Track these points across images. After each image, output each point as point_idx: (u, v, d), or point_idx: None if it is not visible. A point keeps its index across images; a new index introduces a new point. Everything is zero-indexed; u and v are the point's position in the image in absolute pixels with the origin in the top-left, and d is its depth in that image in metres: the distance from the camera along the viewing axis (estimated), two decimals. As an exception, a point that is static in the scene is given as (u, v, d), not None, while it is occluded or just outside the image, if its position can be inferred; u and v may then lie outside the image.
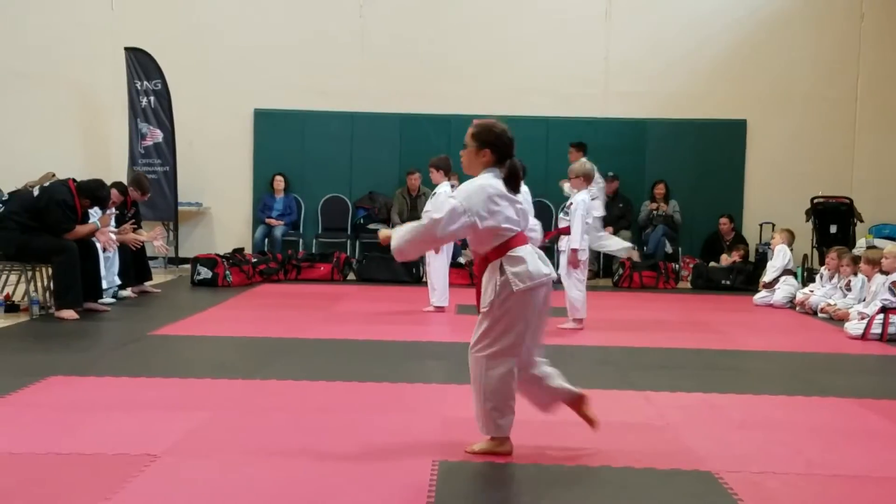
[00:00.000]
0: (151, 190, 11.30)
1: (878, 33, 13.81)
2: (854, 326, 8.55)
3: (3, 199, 9.21)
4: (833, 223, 12.78)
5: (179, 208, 13.40)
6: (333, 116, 13.84)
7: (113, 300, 9.59)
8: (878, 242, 12.00)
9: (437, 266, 9.55)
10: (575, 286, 8.44)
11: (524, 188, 9.76)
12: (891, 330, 8.29)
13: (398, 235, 4.42)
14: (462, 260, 12.26)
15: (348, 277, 12.52)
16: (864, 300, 9.07)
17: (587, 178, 8.48)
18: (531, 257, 4.40)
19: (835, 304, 9.71)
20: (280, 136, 13.86)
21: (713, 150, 13.91)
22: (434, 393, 5.82)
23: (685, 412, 5.49)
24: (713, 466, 4.36)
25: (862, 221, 12.89)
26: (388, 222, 13.19)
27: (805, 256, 12.81)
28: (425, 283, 10.08)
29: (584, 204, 8.36)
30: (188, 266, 11.98)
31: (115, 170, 12.83)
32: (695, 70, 13.91)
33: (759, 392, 6.06)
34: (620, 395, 5.90)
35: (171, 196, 13.24)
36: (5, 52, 13.72)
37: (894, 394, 6.19)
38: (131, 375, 6.06)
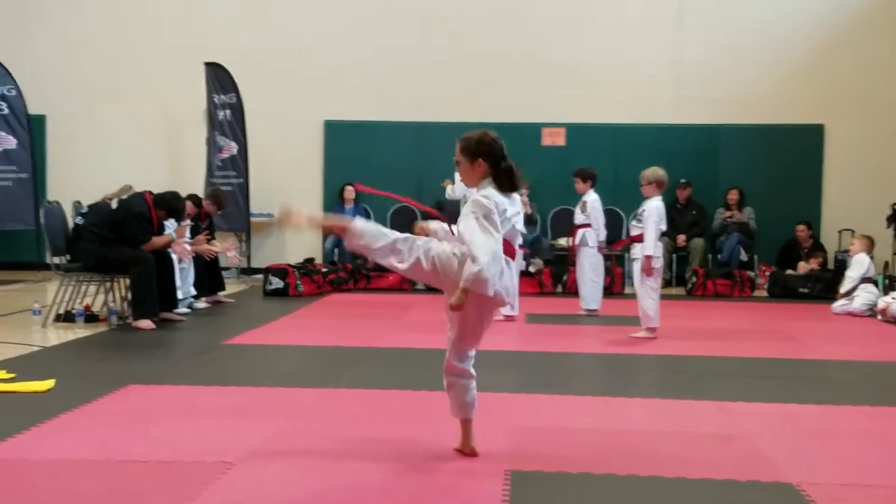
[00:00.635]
0: (227, 203, 11.48)
1: (959, 34, 13.44)
2: (938, 335, 8.30)
3: (83, 211, 9.42)
4: (914, 229, 12.46)
5: (252, 219, 13.58)
6: (402, 126, 13.91)
7: (188, 310, 9.74)
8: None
9: (507, 275, 9.48)
10: (648, 294, 8.32)
11: (594, 195, 9.83)
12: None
13: (479, 274, 4.16)
14: (532, 269, 12.20)
15: (417, 286, 12.55)
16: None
17: (659, 184, 8.38)
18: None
19: (917, 312, 9.45)
20: (350, 147, 13.98)
21: (789, 156, 13.66)
22: (504, 402, 5.78)
23: (762, 422, 5.37)
24: (794, 478, 4.25)
25: (945, 227, 12.55)
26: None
27: (886, 263, 12.50)
28: (495, 293, 10.02)
29: (657, 210, 8.25)
30: (260, 276, 12.12)
31: (194, 182, 13.07)
32: (769, 74, 13.68)
33: (840, 402, 5.91)
34: (695, 404, 5.79)
35: (244, 207, 13.42)
36: (90, 71, 14.11)
37: (982, 404, 5.98)
38: (206, 384, 6.14)
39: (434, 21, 13.99)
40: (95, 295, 9.34)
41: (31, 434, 4.78)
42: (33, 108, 13.51)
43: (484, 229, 4.20)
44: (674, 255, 13.17)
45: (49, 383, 5.88)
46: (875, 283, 10.97)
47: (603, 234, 9.97)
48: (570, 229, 10.67)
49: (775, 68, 13.69)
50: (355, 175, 13.79)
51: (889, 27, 13.54)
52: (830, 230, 13.54)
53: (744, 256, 13.10)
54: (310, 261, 12.49)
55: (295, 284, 11.53)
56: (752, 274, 12.64)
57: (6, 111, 13.29)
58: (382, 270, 12.57)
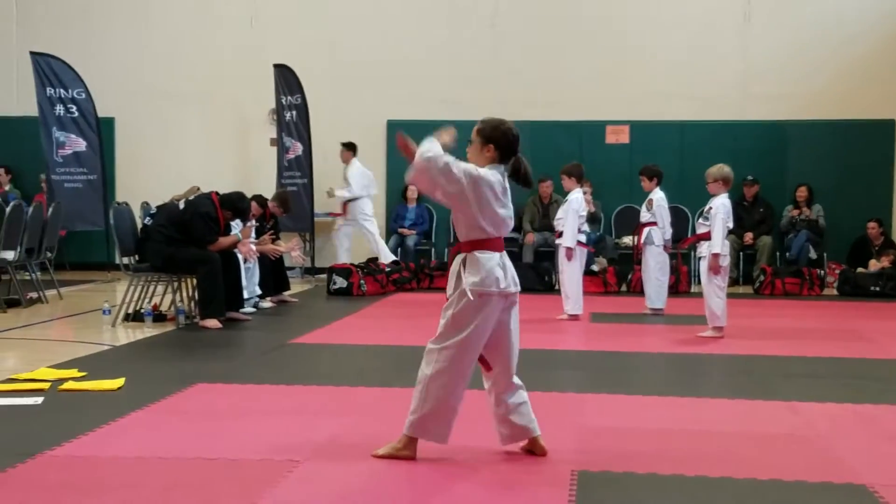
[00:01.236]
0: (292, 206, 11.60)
1: None
2: None
3: (151, 212, 9.57)
4: None
5: (315, 219, 13.69)
6: (464, 126, 13.79)
7: (253, 310, 9.84)
8: None
9: (571, 273, 9.46)
10: (715, 293, 8.21)
11: (660, 193, 9.72)
12: None
13: (419, 159, 4.30)
14: (595, 268, 12.12)
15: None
16: None
17: (726, 182, 8.27)
18: (494, 266, 4.34)
19: None
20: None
21: (859, 152, 13.37)
22: (570, 402, 5.75)
23: (834, 423, 5.26)
24: (867, 479, 4.15)
25: None
26: (520, 230, 13.18)
27: (961, 261, 12.17)
28: (558, 291, 9.99)
29: (724, 208, 8.14)
30: (324, 276, 12.20)
31: (261, 182, 13.21)
32: (838, 70, 13.41)
33: (915, 403, 5.77)
34: (764, 405, 5.69)
35: (309, 207, 13.53)
36: (158, 73, 14.35)
37: None
38: (273, 383, 6.20)
39: (496, 20, 13.96)
40: (163, 295, 9.49)
41: (102, 431, 4.86)
42: (102, 111, 13.76)
43: (449, 160, 4.29)
44: (741, 253, 12.99)
45: (119, 382, 5.99)
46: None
47: (668, 233, 9.86)
48: (635, 227, 10.58)
49: (843, 63, 13.42)
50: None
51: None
52: (903, 227, 13.25)
53: (813, 254, 12.86)
54: (373, 260, 12.54)
55: (358, 284, 11.59)
56: (821, 272, 12.40)
57: (76, 114, 13.57)
58: (445, 270, 12.58)
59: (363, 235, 13.18)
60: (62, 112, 13.51)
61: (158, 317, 9.01)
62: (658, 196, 9.83)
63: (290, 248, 10.80)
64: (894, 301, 11.21)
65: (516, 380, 4.49)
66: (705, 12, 13.68)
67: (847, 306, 11.05)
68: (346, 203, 13.23)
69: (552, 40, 13.82)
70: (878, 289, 11.94)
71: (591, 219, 12.05)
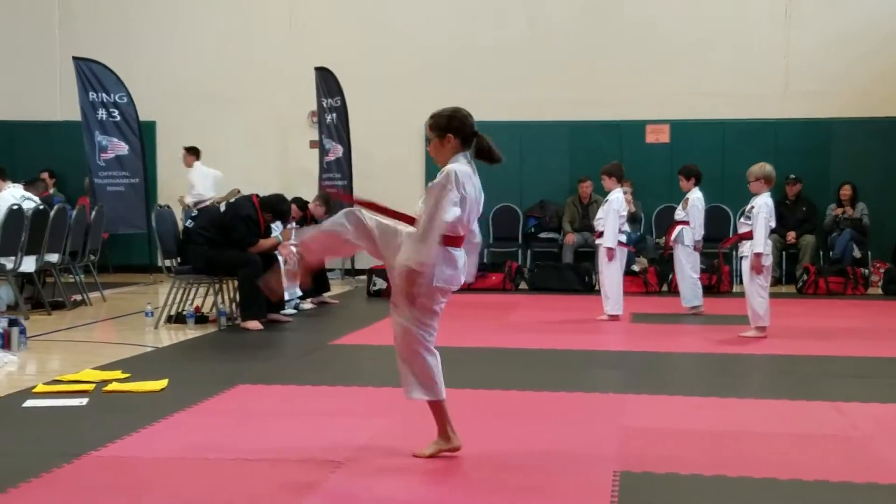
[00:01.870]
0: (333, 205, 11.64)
1: None
2: None
3: (193, 214, 9.66)
4: None
5: (355, 221, 13.69)
6: (503, 126, 13.83)
7: (294, 311, 9.88)
8: None
9: (611, 274, 9.41)
10: (757, 293, 8.12)
11: (697, 193, 9.65)
12: None
13: (416, 255, 4.13)
14: (636, 268, 12.04)
15: (520, 287, 12.50)
16: None
17: (767, 181, 8.18)
18: (459, 262, 4.33)
19: None
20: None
21: (903, 150, 13.17)
22: (611, 402, 5.72)
23: (880, 424, 5.19)
24: (915, 482, 4.09)
25: None
26: (560, 230, 13.13)
27: None
28: (598, 292, 9.95)
29: (767, 207, 8.06)
30: (364, 277, 12.24)
31: (301, 185, 13.28)
32: (882, 66, 13.21)
33: (964, 404, 5.67)
34: (808, 405, 5.63)
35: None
36: (198, 76, 14.46)
37: None
38: (314, 384, 6.23)
39: (535, 21, 13.92)
40: (205, 296, 9.56)
41: (146, 432, 4.92)
42: (144, 115, 13.90)
43: (443, 205, 4.14)
44: (783, 253, 12.84)
45: (162, 383, 6.05)
46: None
47: (700, 233, 9.78)
48: (668, 226, 10.52)
49: (886, 59, 13.21)
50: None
51: None
52: (949, 225, 13.03)
53: (857, 253, 12.68)
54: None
55: (398, 285, 11.58)
56: (865, 271, 12.23)
57: (118, 118, 13.72)
58: (484, 271, 12.57)
59: None
60: (104, 116, 13.66)
61: (200, 318, 9.06)
62: (695, 196, 9.76)
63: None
64: (941, 300, 11.04)
65: None
66: (746, 10, 13.54)
67: (893, 305, 10.89)
68: None
69: (592, 40, 13.75)
70: (924, 288, 11.75)
71: (632, 219, 11.97)
